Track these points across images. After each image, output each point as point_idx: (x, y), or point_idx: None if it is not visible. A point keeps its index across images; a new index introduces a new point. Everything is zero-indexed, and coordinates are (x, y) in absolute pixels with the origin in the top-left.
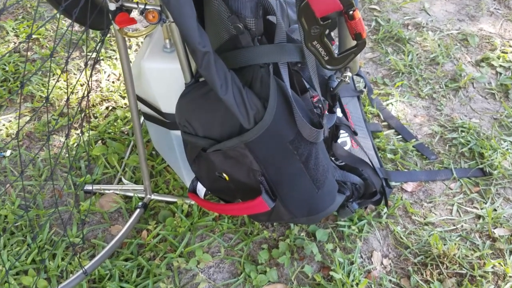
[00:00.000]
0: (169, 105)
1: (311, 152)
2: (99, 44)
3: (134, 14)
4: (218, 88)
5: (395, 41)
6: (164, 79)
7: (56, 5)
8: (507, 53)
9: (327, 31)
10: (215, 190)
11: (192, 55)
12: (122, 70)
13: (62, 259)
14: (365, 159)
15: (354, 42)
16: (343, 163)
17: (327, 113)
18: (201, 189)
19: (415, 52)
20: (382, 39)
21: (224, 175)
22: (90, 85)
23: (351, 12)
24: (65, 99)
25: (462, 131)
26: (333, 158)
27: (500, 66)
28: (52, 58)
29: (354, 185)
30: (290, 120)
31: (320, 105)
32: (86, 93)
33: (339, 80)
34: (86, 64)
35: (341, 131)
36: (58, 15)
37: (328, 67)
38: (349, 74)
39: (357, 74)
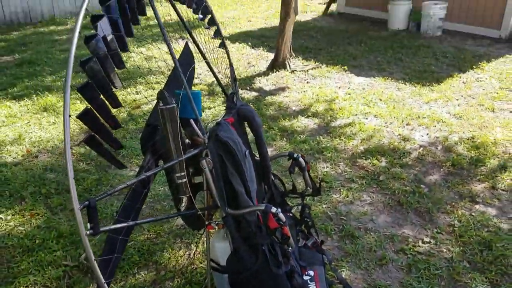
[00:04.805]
0: (224, 262)
1: None
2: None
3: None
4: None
5: (351, 237)
6: (223, 251)
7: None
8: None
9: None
10: None
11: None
12: (206, 253)
13: None
14: None
15: None
16: None
17: None
18: None
19: (362, 244)
20: (343, 236)
21: None
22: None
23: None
24: (184, 268)
25: None
26: None
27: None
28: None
29: None
30: None
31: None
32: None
33: None
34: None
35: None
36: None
37: None
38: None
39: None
